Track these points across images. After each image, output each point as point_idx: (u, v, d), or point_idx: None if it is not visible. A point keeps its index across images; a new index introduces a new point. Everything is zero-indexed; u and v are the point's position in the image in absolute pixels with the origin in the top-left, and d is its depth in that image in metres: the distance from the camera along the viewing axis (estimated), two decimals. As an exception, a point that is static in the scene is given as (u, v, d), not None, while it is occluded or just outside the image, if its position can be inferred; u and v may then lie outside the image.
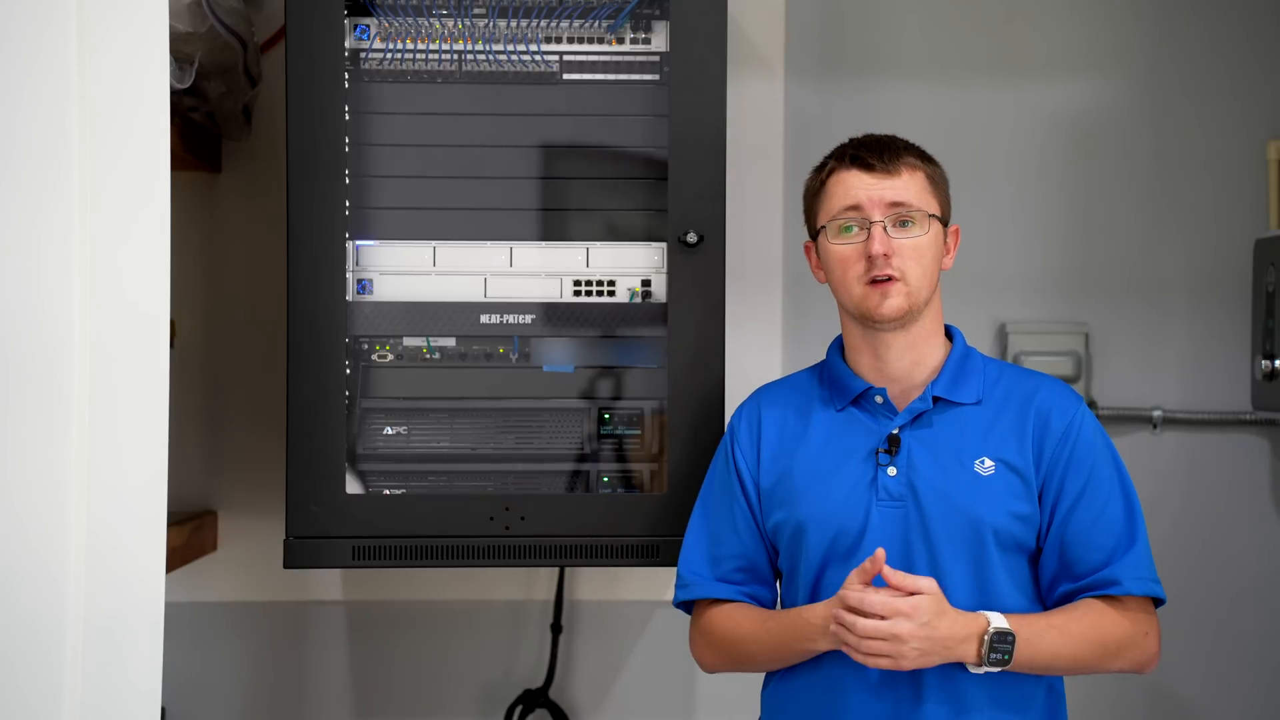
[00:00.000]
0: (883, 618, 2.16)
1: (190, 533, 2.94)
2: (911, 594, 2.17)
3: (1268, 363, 3.17)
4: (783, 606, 2.41)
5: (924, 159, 2.38)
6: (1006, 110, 3.30)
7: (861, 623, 2.16)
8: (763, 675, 2.45)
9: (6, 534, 1.90)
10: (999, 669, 2.20)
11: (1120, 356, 3.30)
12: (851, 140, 2.41)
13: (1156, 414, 3.27)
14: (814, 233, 2.41)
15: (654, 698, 3.22)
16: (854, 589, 2.19)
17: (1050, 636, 2.23)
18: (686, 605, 2.46)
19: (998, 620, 2.20)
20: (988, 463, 2.32)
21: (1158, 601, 2.32)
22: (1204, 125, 3.30)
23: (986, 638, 2.18)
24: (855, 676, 2.28)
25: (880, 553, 2.19)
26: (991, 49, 3.31)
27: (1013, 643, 2.19)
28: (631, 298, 2.73)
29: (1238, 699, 3.29)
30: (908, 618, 2.15)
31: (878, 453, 2.33)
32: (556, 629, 3.17)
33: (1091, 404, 3.27)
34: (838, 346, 2.45)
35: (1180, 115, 3.30)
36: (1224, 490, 3.30)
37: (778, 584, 2.45)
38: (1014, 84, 3.30)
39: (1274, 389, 3.17)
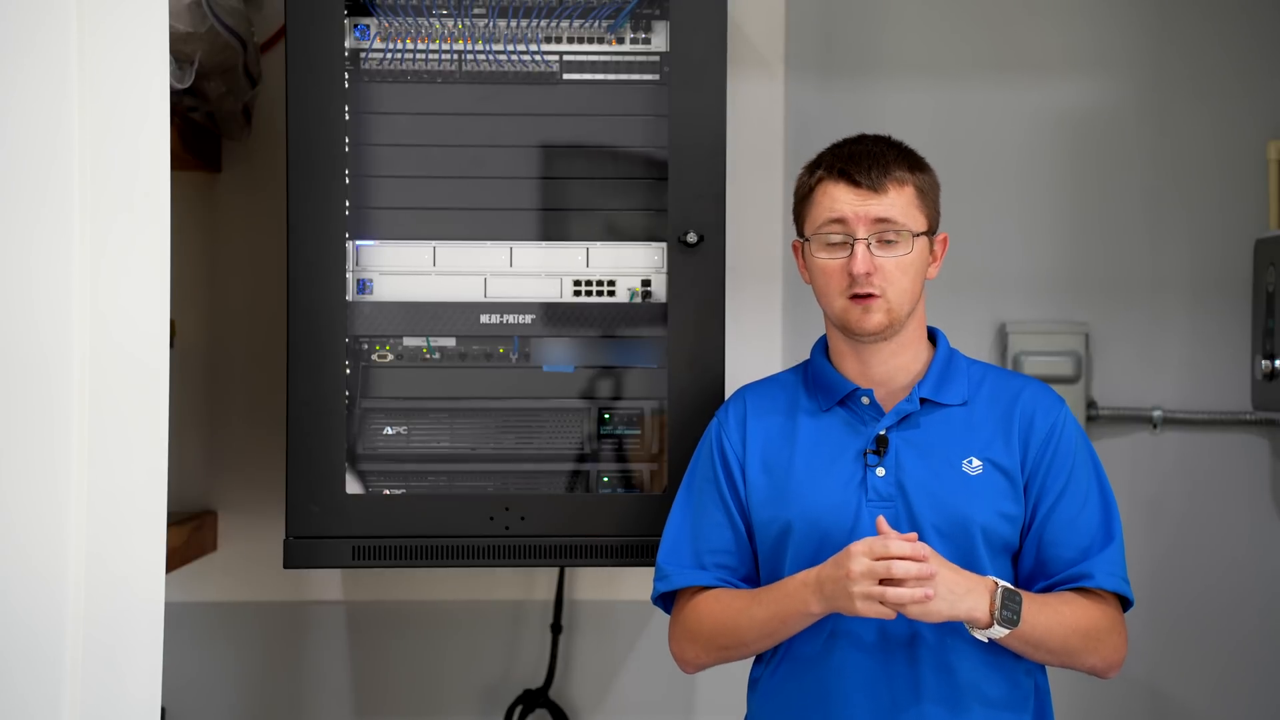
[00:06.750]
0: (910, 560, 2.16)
1: (190, 533, 2.94)
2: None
3: (1268, 363, 3.17)
4: None
5: (914, 168, 2.34)
6: (1006, 110, 3.30)
7: (900, 564, 2.14)
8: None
9: (6, 534, 1.91)
10: (1008, 629, 2.19)
11: (1120, 356, 3.30)
12: (842, 146, 2.37)
13: (1156, 414, 3.27)
14: (801, 234, 2.40)
15: (654, 698, 3.21)
16: (875, 540, 2.18)
17: (1045, 612, 2.25)
18: (666, 601, 2.43)
19: (1003, 581, 2.23)
20: (975, 463, 2.33)
21: (1126, 606, 2.34)
22: (1204, 125, 3.30)
23: (998, 592, 2.19)
24: (852, 670, 2.28)
25: (882, 520, 2.21)
26: (991, 49, 3.31)
27: (1020, 603, 2.20)
28: (631, 298, 2.73)
29: (1237, 699, 3.29)
30: (933, 556, 2.18)
31: (866, 453, 2.33)
32: (556, 629, 3.17)
33: (1091, 404, 3.27)
34: (822, 347, 2.45)
35: (1181, 115, 3.30)
36: (1224, 490, 3.30)
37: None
38: (1014, 83, 3.30)
39: (1274, 389, 3.17)
